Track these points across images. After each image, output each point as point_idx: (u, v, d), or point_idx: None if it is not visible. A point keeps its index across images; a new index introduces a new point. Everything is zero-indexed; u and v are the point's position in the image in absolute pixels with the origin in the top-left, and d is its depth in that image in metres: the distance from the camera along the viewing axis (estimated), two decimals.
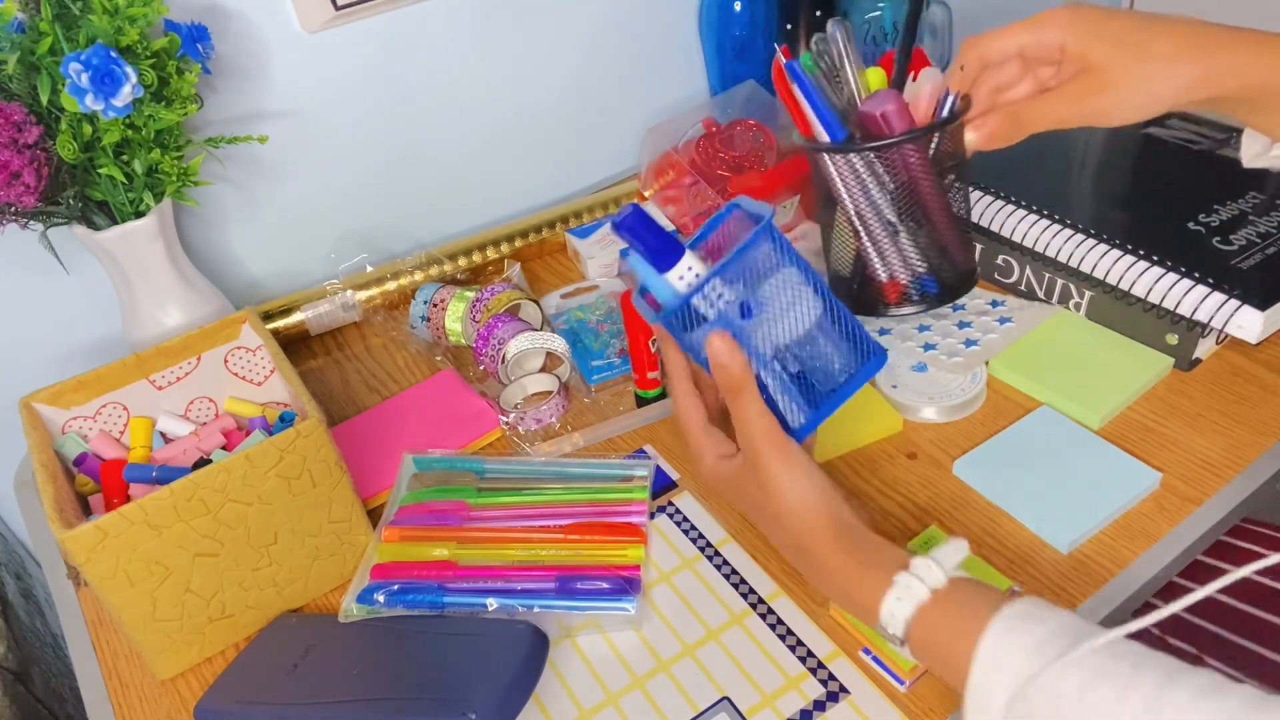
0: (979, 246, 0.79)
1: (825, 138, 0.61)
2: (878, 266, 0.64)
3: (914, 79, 0.62)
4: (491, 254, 0.92)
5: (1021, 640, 0.44)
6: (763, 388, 0.55)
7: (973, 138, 0.60)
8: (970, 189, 0.63)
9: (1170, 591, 0.70)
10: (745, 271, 0.53)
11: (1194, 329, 0.69)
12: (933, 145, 0.60)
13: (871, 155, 0.60)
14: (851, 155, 0.60)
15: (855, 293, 0.67)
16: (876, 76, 0.64)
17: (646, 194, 0.96)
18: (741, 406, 0.54)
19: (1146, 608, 0.70)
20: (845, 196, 0.61)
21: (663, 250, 0.53)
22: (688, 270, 0.54)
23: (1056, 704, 0.42)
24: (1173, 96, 0.55)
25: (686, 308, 0.53)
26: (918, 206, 0.61)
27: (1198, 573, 0.70)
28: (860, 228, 0.62)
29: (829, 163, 0.61)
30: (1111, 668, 0.42)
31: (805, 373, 0.56)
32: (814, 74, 0.60)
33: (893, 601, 0.48)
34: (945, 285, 0.64)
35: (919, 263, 0.64)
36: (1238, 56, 0.54)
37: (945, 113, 0.61)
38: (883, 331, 0.78)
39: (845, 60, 0.61)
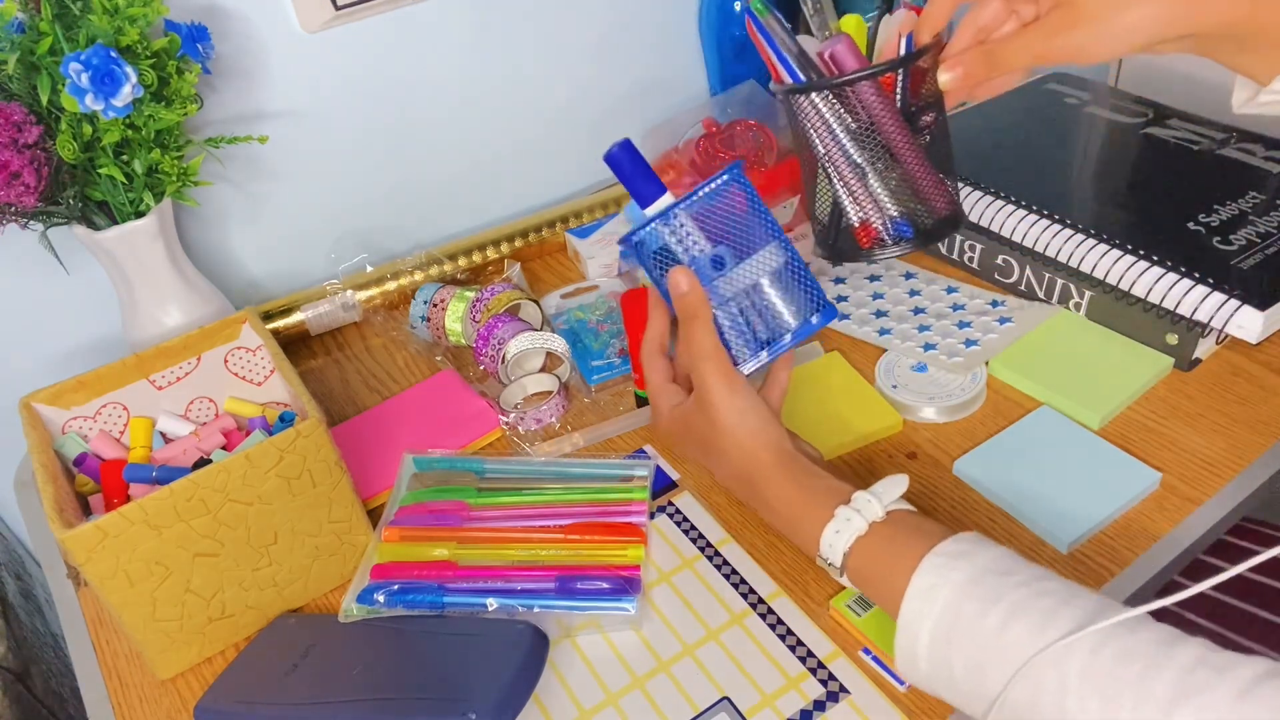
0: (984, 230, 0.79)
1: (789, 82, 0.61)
2: (850, 210, 0.63)
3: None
4: (491, 254, 0.92)
5: (950, 575, 0.46)
6: (718, 328, 0.60)
7: (946, 78, 0.58)
8: (946, 132, 0.63)
9: (1171, 591, 0.70)
10: (712, 212, 0.60)
11: (1194, 329, 0.69)
12: (898, 85, 0.59)
13: (830, 95, 0.59)
14: (813, 96, 0.60)
15: (834, 240, 0.66)
16: (853, 23, 0.64)
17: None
18: (694, 331, 0.59)
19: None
20: (812, 138, 0.61)
21: (646, 185, 0.59)
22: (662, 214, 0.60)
23: (976, 638, 0.44)
24: (1150, 29, 0.52)
25: (653, 235, 0.60)
26: (883, 147, 0.60)
27: (1199, 572, 0.69)
28: (831, 170, 0.62)
29: (792, 105, 0.61)
30: (1034, 604, 0.43)
31: (759, 317, 0.62)
32: (765, 17, 0.60)
33: (831, 533, 0.52)
34: (921, 229, 0.63)
35: (891, 206, 0.62)
36: None
37: (901, 52, 0.59)
38: (883, 332, 0.78)
39: (818, 11, 0.63)
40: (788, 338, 0.61)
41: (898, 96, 0.60)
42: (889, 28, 0.60)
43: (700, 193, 0.60)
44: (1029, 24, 0.57)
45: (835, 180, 0.62)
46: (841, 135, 0.60)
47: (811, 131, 0.61)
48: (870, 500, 0.52)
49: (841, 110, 0.59)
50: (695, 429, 0.60)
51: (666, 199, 0.60)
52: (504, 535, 0.65)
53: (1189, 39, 0.54)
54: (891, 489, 0.52)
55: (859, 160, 0.61)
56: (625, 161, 0.59)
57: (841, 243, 0.65)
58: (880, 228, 0.63)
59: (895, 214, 0.62)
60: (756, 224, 0.60)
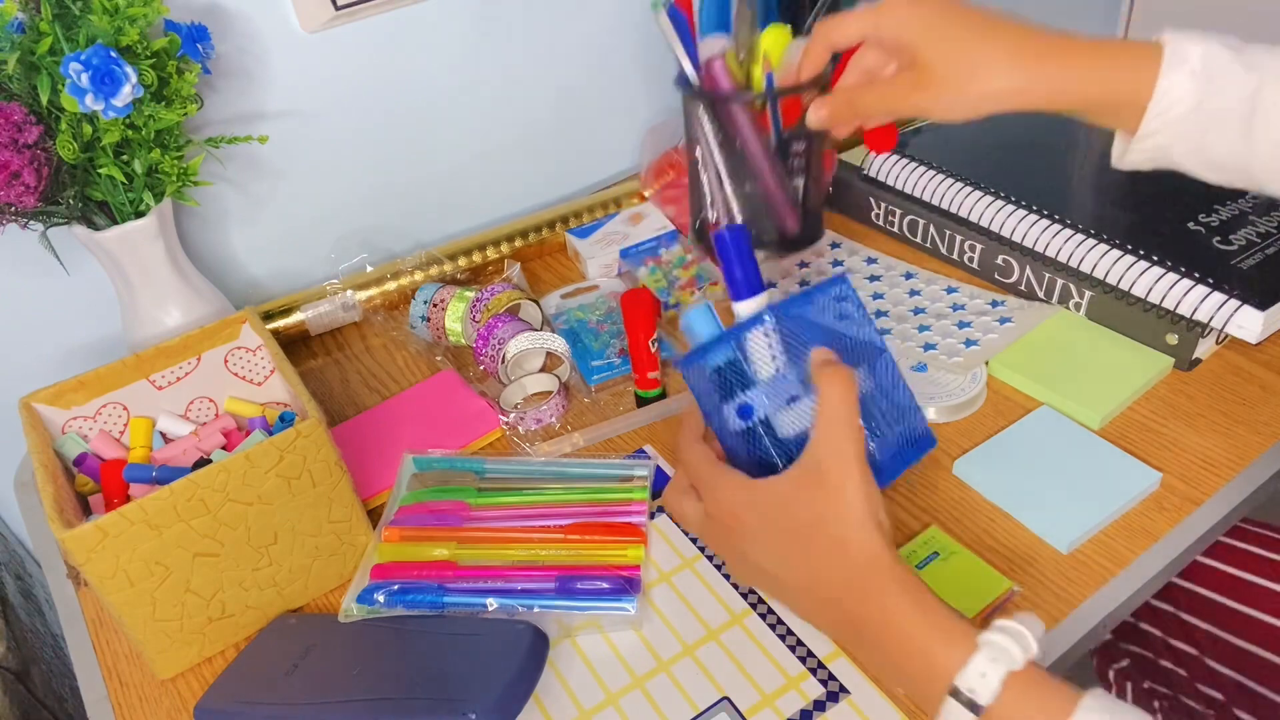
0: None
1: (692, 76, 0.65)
2: (707, 205, 0.68)
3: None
4: (491, 254, 0.92)
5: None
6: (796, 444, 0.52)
7: (812, 117, 0.61)
8: (821, 171, 0.67)
9: (1169, 593, 0.70)
10: (815, 320, 0.52)
11: (1194, 329, 0.69)
12: (757, 107, 0.63)
13: (702, 102, 0.63)
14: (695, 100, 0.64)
15: (697, 229, 0.70)
16: (776, 34, 0.65)
17: (646, 194, 0.96)
18: (835, 392, 0.49)
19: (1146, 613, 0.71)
20: (687, 131, 0.66)
21: (748, 276, 0.51)
22: (761, 315, 0.52)
23: None
24: (994, 103, 0.55)
25: (739, 344, 0.51)
26: (742, 161, 0.64)
27: (1197, 574, 0.70)
28: (700, 169, 0.66)
29: (684, 104, 0.65)
30: None
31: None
32: (656, 10, 0.64)
33: (985, 663, 0.42)
34: (759, 241, 0.67)
35: (738, 213, 0.67)
36: (1065, 68, 0.54)
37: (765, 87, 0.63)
38: (883, 332, 0.78)
39: (742, 17, 0.64)
40: (883, 471, 0.56)
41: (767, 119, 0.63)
42: (794, 52, 0.62)
43: (812, 299, 0.53)
44: (885, 79, 0.60)
45: (702, 178, 0.66)
46: (711, 140, 0.64)
47: (686, 125, 0.65)
48: (1023, 631, 0.43)
49: (713, 119, 0.63)
50: (788, 514, 0.48)
51: (764, 299, 0.54)
52: (504, 535, 0.65)
53: (1040, 108, 0.56)
54: (1035, 626, 0.44)
55: (720, 166, 0.64)
56: (739, 245, 0.52)
57: (701, 229, 0.69)
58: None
59: (739, 220, 0.67)
60: (861, 340, 0.54)
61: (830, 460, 0.47)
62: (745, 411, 0.52)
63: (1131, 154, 0.56)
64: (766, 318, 0.52)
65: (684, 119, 0.66)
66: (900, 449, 0.60)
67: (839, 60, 0.60)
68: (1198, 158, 0.55)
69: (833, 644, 0.57)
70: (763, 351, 0.53)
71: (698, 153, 0.65)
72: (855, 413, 0.48)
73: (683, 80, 0.64)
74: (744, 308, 0.53)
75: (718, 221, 0.67)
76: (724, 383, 0.53)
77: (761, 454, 0.53)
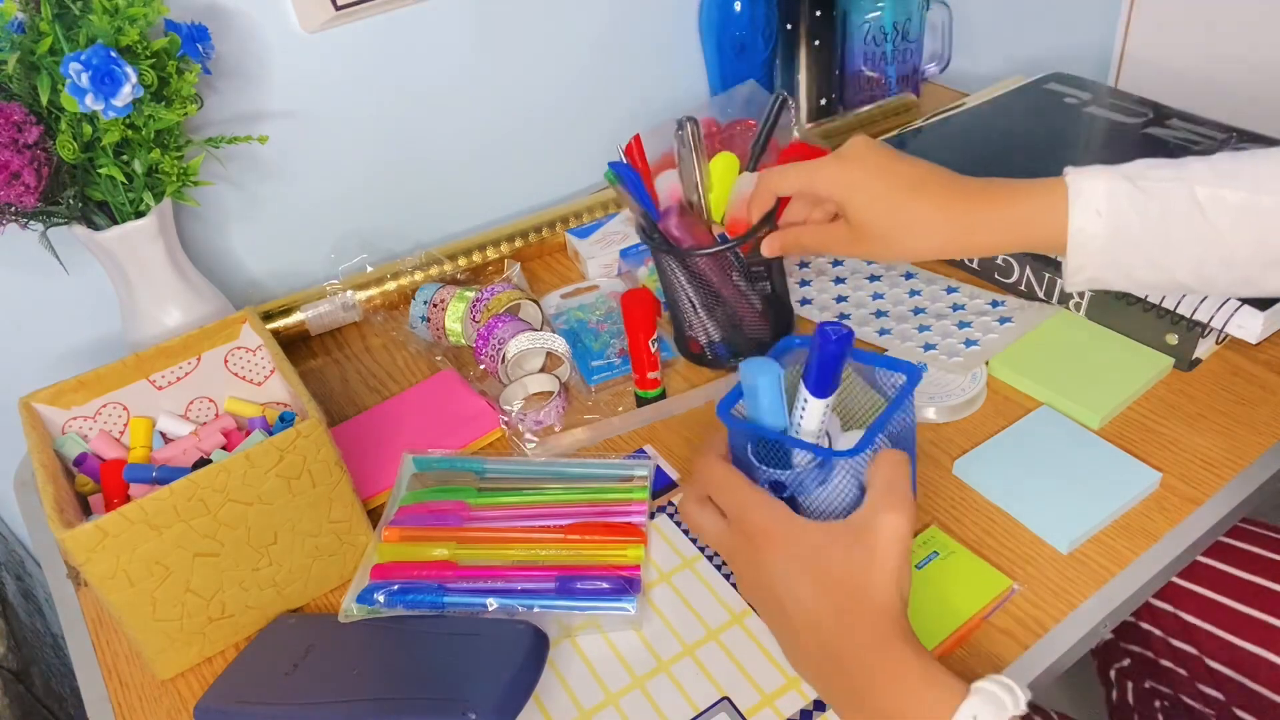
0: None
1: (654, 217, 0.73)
2: (683, 323, 0.77)
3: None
4: (491, 254, 0.92)
5: None
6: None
7: (765, 249, 0.68)
8: (780, 267, 0.76)
9: (1169, 593, 0.70)
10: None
11: (1194, 329, 0.69)
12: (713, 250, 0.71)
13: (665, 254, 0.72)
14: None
15: (681, 344, 0.80)
16: (724, 163, 0.72)
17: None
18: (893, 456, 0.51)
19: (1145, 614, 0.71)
20: (657, 267, 0.75)
21: (822, 380, 0.53)
22: (822, 410, 0.54)
23: None
24: (923, 255, 0.61)
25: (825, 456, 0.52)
26: (710, 292, 0.74)
27: (1197, 574, 0.70)
28: (667, 292, 0.76)
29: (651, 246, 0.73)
30: None
31: None
32: (615, 185, 0.72)
33: (980, 705, 0.43)
34: (735, 351, 0.77)
35: (714, 331, 0.76)
36: (986, 223, 0.59)
37: (719, 238, 0.72)
38: (883, 332, 0.78)
39: (693, 154, 0.71)
40: None
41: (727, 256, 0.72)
42: (740, 188, 0.70)
43: (888, 418, 0.53)
44: (829, 224, 0.66)
45: (679, 302, 0.76)
46: (682, 277, 0.74)
47: (660, 267, 0.75)
48: (1012, 686, 0.43)
49: (678, 263, 0.72)
50: (822, 558, 0.48)
51: (830, 400, 0.54)
52: (504, 535, 0.65)
53: (972, 253, 0.62)
54: (1022, 689, 0.44)
55: (691, 296, 0.74)
56: (825, 352, 0.51)
57: (681, 340, 0.79)
58: (705, 347, 0.78)
59: (716, 339, 0.77)
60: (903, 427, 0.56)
61: (883, 530, 0.47)
62: (777, 487, 0.53)
63: (1070, 283, 0.60)
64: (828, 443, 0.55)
65: (655, 262, 0.75)
66: None
67: (778, 202, 0.69)
68: (1128, 281, 0.59)
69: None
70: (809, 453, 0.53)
71: (672, 288, 0.74)
72: (909, 487, 0.50)
73: (644, 233, 0.72)
74: (814, 404, 0.54)
75: (696, 339, 0.77)
76: (763, 455, 0.55)
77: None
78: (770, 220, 0.69)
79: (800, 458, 0.54)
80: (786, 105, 0.73)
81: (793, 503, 0.53)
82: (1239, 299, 0.66)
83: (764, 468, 0.54)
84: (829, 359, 0.52)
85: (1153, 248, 0.56)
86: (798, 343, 0.59)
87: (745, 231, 0.69)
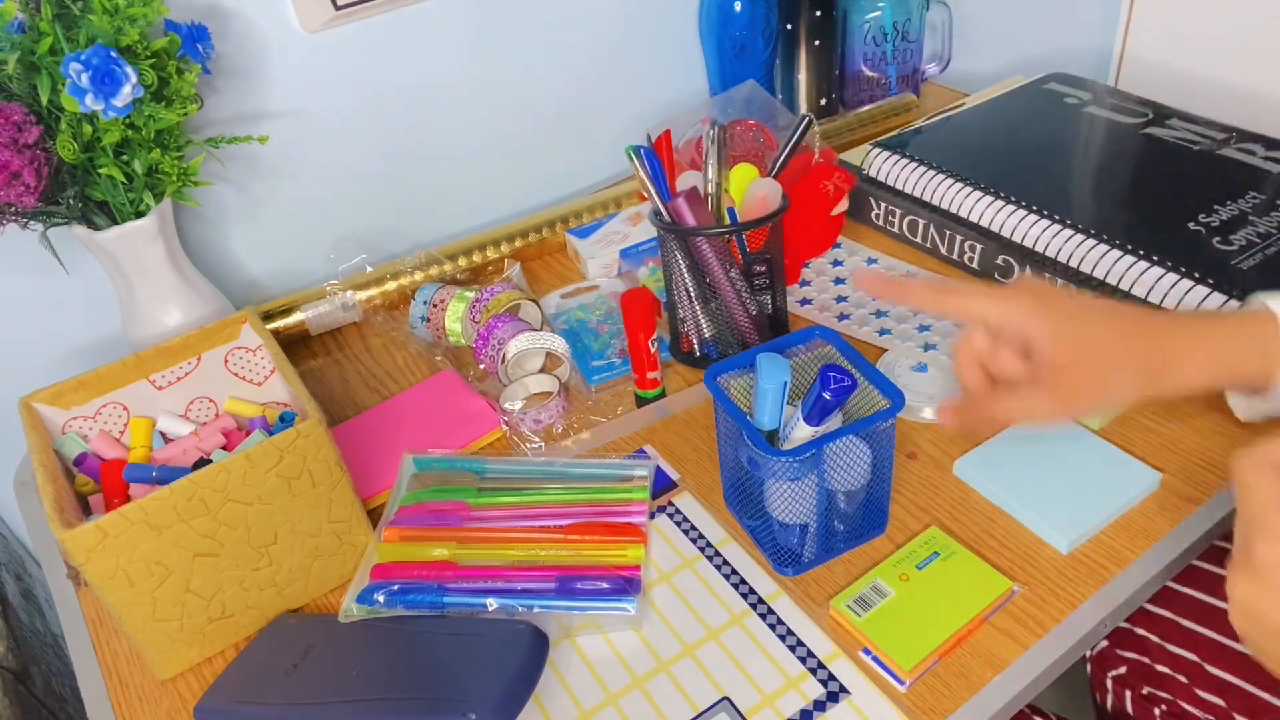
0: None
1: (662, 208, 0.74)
2: (678, 318, 0.78)
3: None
4: (491, 254, 0.92)
5: None
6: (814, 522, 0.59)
7: (944, 421, 0.58)
8: (783, 284, 0.77)
9: (1164, 596, 0.70)
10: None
11: None
12: (723, 240, 0.73)
13: (672, 235, 0.73)
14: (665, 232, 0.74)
15: (673, 341, 0.80)
16: (742, 173, 0.74)
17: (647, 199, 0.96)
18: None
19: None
20: (662, 255, 0.76)
21: (816, 411, 0.57)
22: (810, 432, 0.59)
23: None
24: (1125, 399, 0.55)
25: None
26: (707, 283, 0.74)
27: (1194, 579, 0.70)
28: (668, 281, 0.76)
29: (659, 233, 0.74)
30: None
31: (837, 520, 0.61)
32: (634, 160, 0.72)
33: None
34: (722, 354, 0.77)
35: (707, 328, 0.77)
36: (1193, 367, 0.54)
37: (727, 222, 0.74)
38: (883, 332, 0.78)
39: (717, 154, 0.73)
40: (847, 545, 0.62)
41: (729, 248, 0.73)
42: (756, 191, 0.73)
43: (864, 427, 0.57)
44: (1026, 386, 0.55)
45: (677, 295, 0.76)
46: (683, 263, 0.74)
47: (662, 249, 0.76)
48: None
49: (681, 246, 0.74)
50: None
51: (819, 431, 0.58)
52: (504, 535, 0.65)
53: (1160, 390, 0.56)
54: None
55: (688, 286, 0.75)
56: (825, 390, 0.55)
57: (675, 338, 0.80)
58: (695, 343, 0.78)
59: (707, 335, 0.77)
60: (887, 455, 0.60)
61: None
62: (753, 464, 0.58)
63: (1259, 410, 0.58)
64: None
65: (660, 249, 0.76)
66: (849, 537, 0.63)
67: (786, 205, 0.72)
68: None
69: (832, 644, 0.57)
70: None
71: (673, 277, 0.75)
72: None
73: (655, 215, 0.73)
74: (804, 427, 0.58)
75: (688, 334, 0.78)
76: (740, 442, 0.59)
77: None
78: (775, 217, 0.71)
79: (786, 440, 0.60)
80: (812, 125, 0.76)
81: (759, 486, 0.59)
82: (1239, 299, 0.66)
83: (753, 447, 0.57)
84: (826, 406, 0.56)
85: None
86: (803, 345, 0.64)
87: (740, 227, 0.71)
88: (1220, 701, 0.66)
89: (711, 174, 0.73)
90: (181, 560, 0.57)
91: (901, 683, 0.54)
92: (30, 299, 0.82)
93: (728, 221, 0.74)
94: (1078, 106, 0.93)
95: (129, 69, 0.65)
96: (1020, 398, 0.55)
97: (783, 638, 0.57)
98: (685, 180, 0.75)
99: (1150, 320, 0.56)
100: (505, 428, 0.75)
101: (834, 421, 0.59)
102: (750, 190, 0.73)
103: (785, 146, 0.75)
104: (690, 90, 1.09)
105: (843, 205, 0.87)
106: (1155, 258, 0.71)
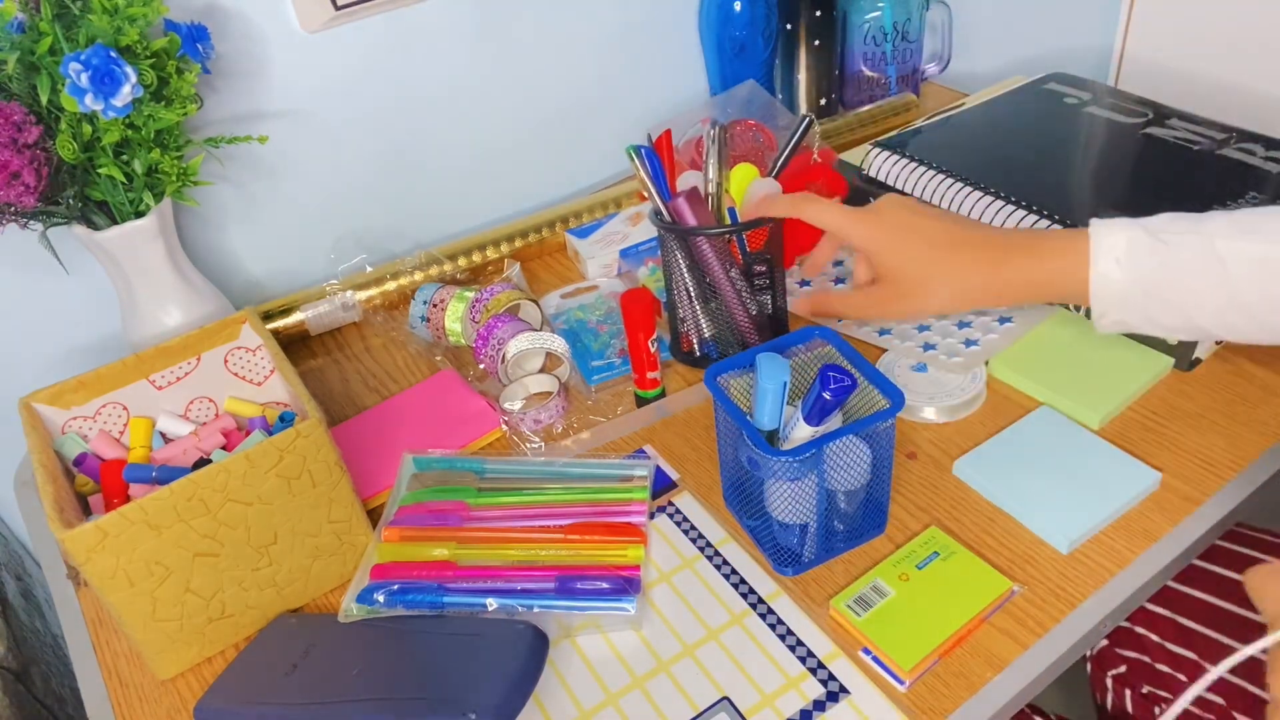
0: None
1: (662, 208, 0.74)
2: (678, 318, 0.78)
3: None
4: (491, 254, 0.92)
5: None
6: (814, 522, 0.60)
7: (797, 308, 0.74)
8: (783, 285, 0.78)
9: (1164, 596, 0.70)
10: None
11: None
12: (725, 240, 0.73)
13: (673, 235, 0.74)
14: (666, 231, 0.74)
15: (673, 342, 0.80)
16: (743, 173, 0.74)
17: (645, 194, 0.96)
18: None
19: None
20: (662, 255, 0.76)
21: (816, 412, 0.58)
22: (810, 432, 0.59)
23: None
24: (961, 307, 0.66)
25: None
26: (707, 283, 0.75)
27: (1193, 578, 0.70)
28: (675, 289, 0.77)
29: (659, 232, 0.75)
30: None
31: (837, 520, 0.62)
32: (634, 160, 0.72)
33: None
34: (722, 354, 0.77)
35: (707, 327, 0.77)
36: (1013, 274, 0.63)
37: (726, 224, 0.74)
38: (883, 332, 0.78)
39: (717, 154, 0.73)
40: (847, 545, 0.62)
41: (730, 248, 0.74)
42: (756, 191, 0.73)
43: (862, 427, 0.57)
44: (861, 288, 0.70)
45: (677, 295, 0.77)
46: (683, 262, 0.75)
47: (661, 249, 0.76)
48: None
49: (682, 246, 0.74)
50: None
51: (817, 431, 0.59)
52: (504, 535, 0.65)
53: (1007, 302, 0.66)
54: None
55: (689, 286, 0.75)
56: (825, 389, 0.56)
57: (675, 338, 0.80)
58: (695, 342, 0.78)
59: (708, 335, 0.77)
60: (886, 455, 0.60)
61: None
62: (752, 464, 0.58)
63: (1098, 326, 0.63)
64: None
65: (660, 249, 0.76)
66: (861, 535, 0.63)
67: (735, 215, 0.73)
68: (1152, 326, 0.62)
69: (832, 644, 0.57)
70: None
71: (673, 277, 0.76)
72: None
73: (655, 215, 0.74)
74: (804, 427, 0.59)
75: (688, 334, 0.78)
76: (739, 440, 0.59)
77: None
78: (774, 220, 0.72)
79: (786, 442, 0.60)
80: (812, 126, 0.76)
81: (759, 485, 0.59)
82: None
83: (753, 447, 0.57)
84: (826, 406, 0.57)
85: (1172, 295, 0.59)
86: (803, 345, 0.64)
87: (748, 221, 0.71)
88: (1220, 701, 0.66)
89: (712, 174, 0.74)
90: (181, 560, 0.57)
91: (901, 683, 0.54)
92: (30, 299, 0.82)
93: (728, 221, 0.74)
94: (1078, 106, 0.93)
95: (129, 69, 0.65)
96: (855, 296, 0.70)
97: (782, 637, 0.57)
98: (685, 180, 0.75)
99: (987, 243, 0.64)
100: (505, 428, 0.75)
101: (834, 421, 0.59)
102: (751, 190, 0.73)
103: (786, 146, 0.75)
104: (690, 90, 1.09)
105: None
106: None
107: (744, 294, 0.75)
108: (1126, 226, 0.60)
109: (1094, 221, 0.62)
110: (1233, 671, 0.65)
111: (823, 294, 0.73)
